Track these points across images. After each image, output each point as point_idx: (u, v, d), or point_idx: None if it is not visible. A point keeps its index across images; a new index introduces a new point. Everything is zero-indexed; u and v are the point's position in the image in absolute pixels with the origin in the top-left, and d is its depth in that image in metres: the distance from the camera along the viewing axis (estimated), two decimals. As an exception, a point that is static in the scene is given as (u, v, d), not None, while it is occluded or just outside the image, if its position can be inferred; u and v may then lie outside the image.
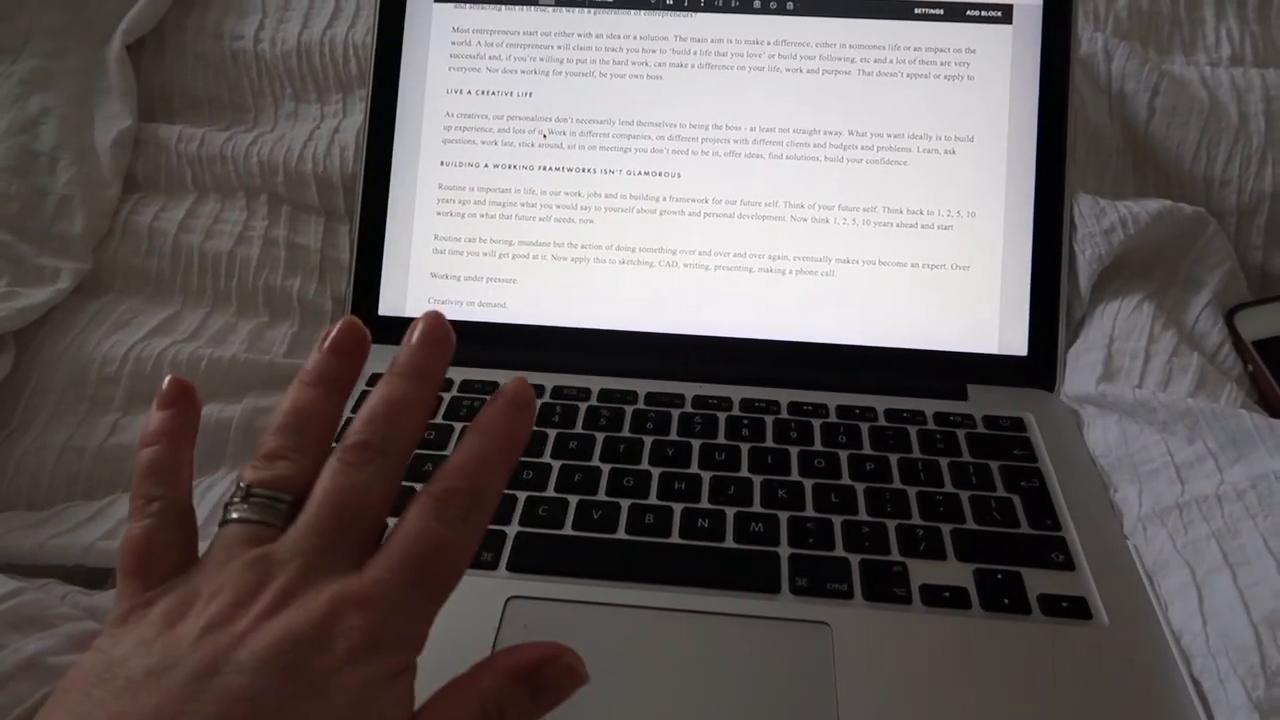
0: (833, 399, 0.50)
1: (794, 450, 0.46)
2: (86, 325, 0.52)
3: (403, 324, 0.54)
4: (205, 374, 0.51)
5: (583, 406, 0.49)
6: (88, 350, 0.50)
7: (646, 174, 0.55)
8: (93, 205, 0.57)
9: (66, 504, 0.45)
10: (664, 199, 0.55)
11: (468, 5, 0.57)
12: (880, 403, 0.50)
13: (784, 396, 0.50)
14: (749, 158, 0.55)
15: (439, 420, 0.48)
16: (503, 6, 0.57)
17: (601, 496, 0.44)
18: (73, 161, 0.58)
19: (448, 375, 0.51)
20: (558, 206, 0.55)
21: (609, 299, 0.54)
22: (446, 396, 0.50)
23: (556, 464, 0.45)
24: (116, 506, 0.44)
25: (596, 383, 0.51)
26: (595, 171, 0.56)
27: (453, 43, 0.57)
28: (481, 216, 0.56)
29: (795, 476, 0.45)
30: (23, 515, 0.44)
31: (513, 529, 0.42)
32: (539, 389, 0.50)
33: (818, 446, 0.47)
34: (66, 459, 0.46)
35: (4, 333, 0.48)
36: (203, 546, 0.41)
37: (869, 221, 0.54)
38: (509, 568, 0.40)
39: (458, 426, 0.48)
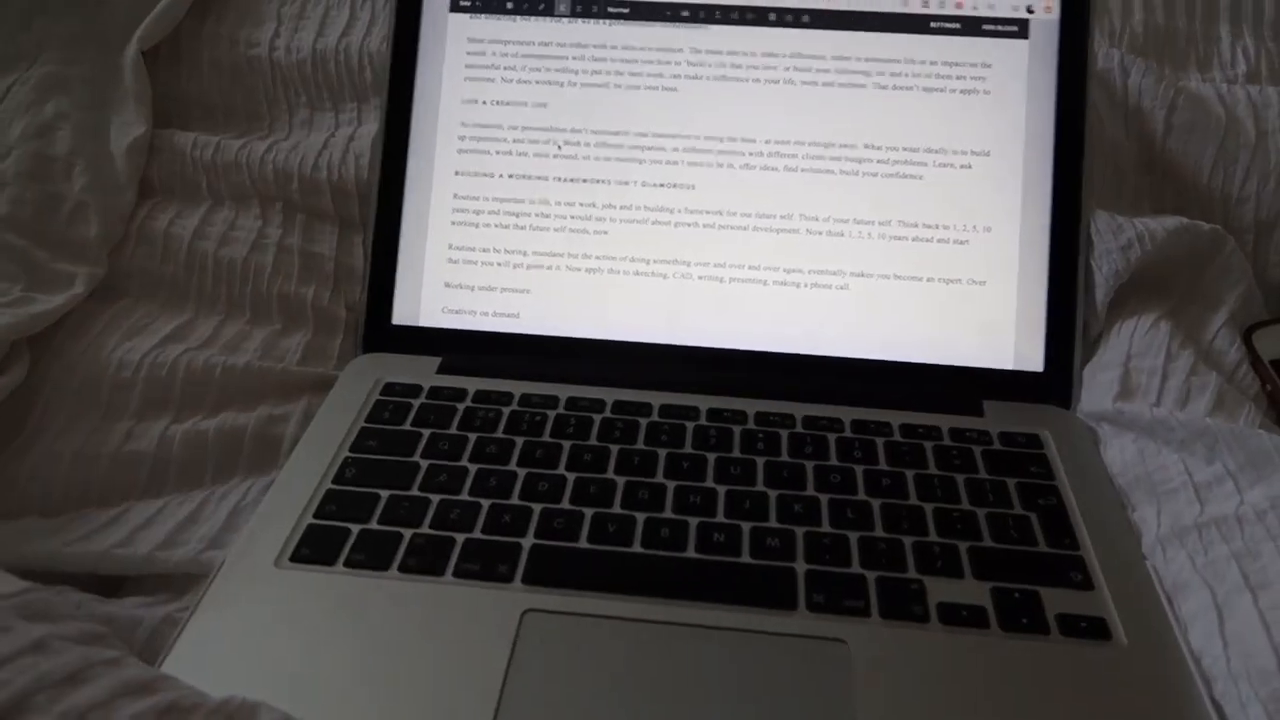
0: (848, 413, 0.50)
1: (809, 465, 0.46)
2: (101, 331, 0.52)
3: (417, 333, 0.55)
4: (219, 381, 0.50)
5: (597, 419, 0.49)
6: (102, 356, 0.50)
7: (661, 186, 0.55)
8: (108, 211, 0.56)
9: (79, 511, 0.45)
10: (679, 211, 0.55)
11: (483, 15, 0.57)
12: (895, 417, 0.50)
13: (799, 410, 0.50)
14: (764, 170, 0.55)
15: (453, 431, 0.48)
16: (518, 17, 0.57)
17: (617, 510, 0.43)
18: (88, 167, 0.58)
19: (461, 386, 0.51)
20: (572, 217, 0.55)
21: (623, 310, 0.54)
22: (460, 408, 0.50)
23: (571, 476, 0.45)
24: (130, 514, 0.44)
25: (610, 394, 0.51)
26: (610, 183, 0.56)
27: (468, 53, 0.57)
28: (496, 226, 0.56)
29: (811, 492, 0.45)
30: (36, 522, 0.44)
31: (528, 541, 0.42)
32: (553, 400, 0.50)
33: (833, 462, 0.47)
34: (80, 466, 0.46)
35: (19, 338, 0.48)
36: (215, 556, 0.41)
37: (884, 235, 0.54)
38: (524, 580, 0.40)
39: (472, 437, 0.48)
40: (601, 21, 0.57)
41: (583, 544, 0.42)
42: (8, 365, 0.48)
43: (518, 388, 0.51)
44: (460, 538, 0.42)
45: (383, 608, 0.39)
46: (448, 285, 0.55)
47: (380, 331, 0.55)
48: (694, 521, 0.43)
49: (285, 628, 0.38)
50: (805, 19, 0.56)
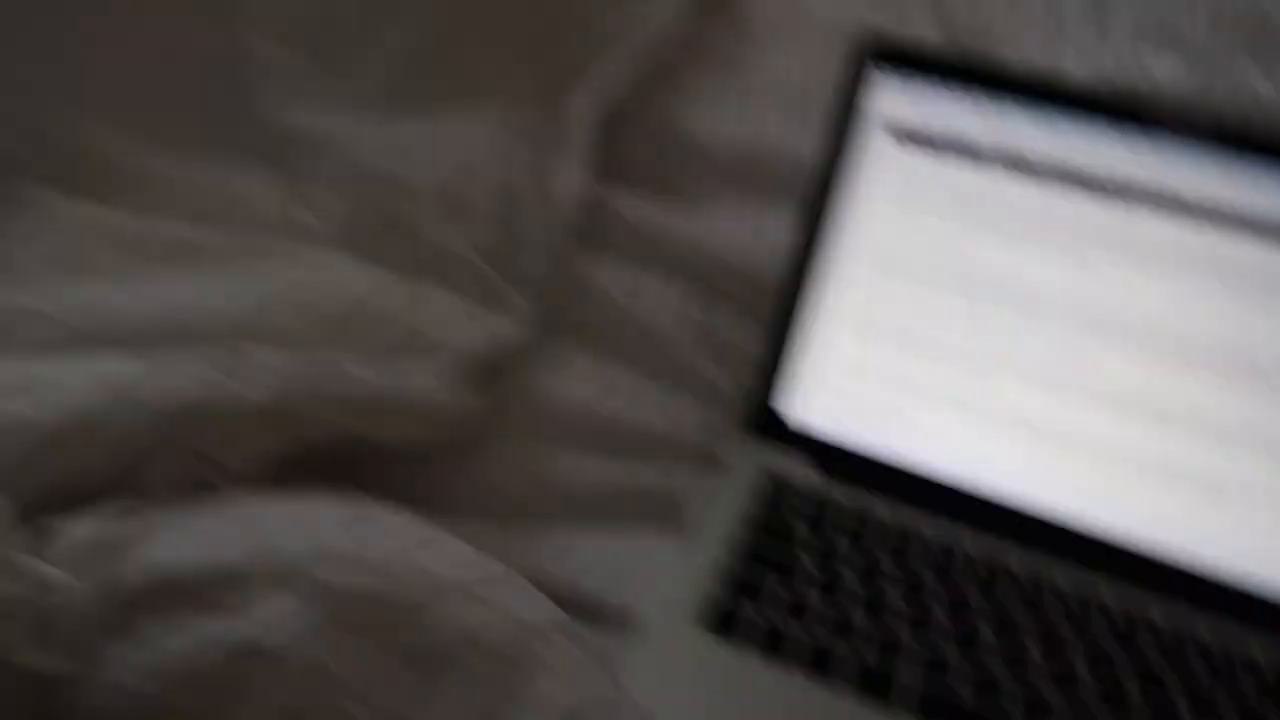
0: (1213, 632, 0.51)
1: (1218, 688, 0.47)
2: (533, 366, 0.58)
3: (800, 433, 0.58)
4: (629, 432, 0.56)
5: (998, 573, 0.52)
6: (538, 388, 0.56)
7: (1057, 352, 0.56)
8: (551, 252, 0.63)
9: (516, 526, 0.50)
10: (1070, 380, 0.56)
11: (917, 151, 0.60)
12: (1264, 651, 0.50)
13: (1189, 623, 0.51)
14: (1163, 361, 0.55)
15: (863, 547, 0.51)
16: (951, 159, 0.59)
17: (1010, 679, 0.45)
18: (536, 207, 0.64)
19: (861, 505, 0.54)
20: (965, 362, 0.57)
21: (1000, 465, 0.56)
22: (868, 524, 0.53)
23: (981, 628, 0.48)
24: (554, 538, 0.50)
25: (1000, 547, 0.53)
26: (1007, 336, 0.57)
27: (896, 183, 0.60)
28: (891, 352, 0.58)
29: None
30: (480, 527, 0.50)
31: (923, 678, 0.45)
32: (954, 542, 0.53)
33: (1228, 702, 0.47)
34: (525, 488, 0.52)
35: (484, 359, 0.55)
36: (635, 602, 0.44)
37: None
38: (912, 709, 0.43)
39: (883, 556, 0.51)
40: (1031, 180, 0.58)
41: (975, 702, 0.44)
42: (471, 386, 0.54)
43: (910, 518, 0.54)
44: (862, 653, 0.45)
45: (783, 699, 0.43)
46: (836, 394, 0.59)
47: (766, 422, 0.59)
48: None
49: (696, 691, 0.43)
50: (1229, 222, 0.56)
